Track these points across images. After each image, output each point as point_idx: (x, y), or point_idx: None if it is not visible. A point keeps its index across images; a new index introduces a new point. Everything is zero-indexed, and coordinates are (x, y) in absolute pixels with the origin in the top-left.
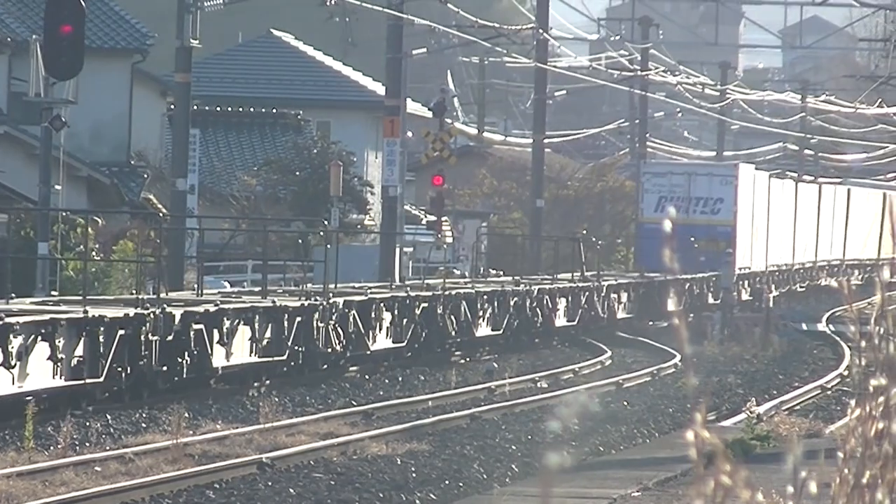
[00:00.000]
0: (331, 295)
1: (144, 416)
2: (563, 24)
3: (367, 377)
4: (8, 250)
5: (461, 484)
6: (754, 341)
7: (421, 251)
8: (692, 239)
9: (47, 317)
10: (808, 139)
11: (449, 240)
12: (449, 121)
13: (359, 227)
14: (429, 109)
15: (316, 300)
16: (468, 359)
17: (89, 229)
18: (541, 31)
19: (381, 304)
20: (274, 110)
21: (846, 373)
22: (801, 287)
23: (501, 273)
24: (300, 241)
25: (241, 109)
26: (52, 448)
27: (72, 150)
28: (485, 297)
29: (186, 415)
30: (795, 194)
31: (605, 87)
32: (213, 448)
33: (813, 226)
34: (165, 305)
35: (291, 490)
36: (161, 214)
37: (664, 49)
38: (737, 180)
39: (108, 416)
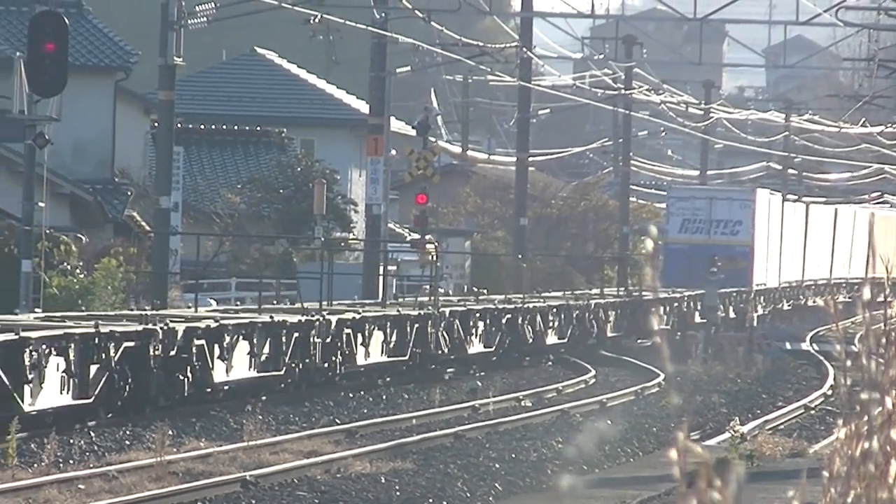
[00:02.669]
0: (440, 305)
1: (128, 433)
2: (547, 43)
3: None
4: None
5: (445, 502)
6: (738, 360)
7: (404, 269)
8: (715, 258)
9: (247, 320)
10: (791, 158)
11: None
12: (433, 139)
13: (342, 244)
14: (412, 128)
15: (429, 309)
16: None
17: (73, 247)
18: (524, 49)
19: (477, 315)
20: (258, 128)
21: (830, 392)
22: (812, 302)
23: (485, 291)
24: (295, 257)
25: (224, 127)
26: (35, 465)
27: (54, 167)
28: (554, 309)
29: (170, 432)
30: (806, 216)
31: (589, 105)
32: (197, 466)
33: (827, 245)
34: (325, 313)
35: None
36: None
37: (648, 68)
38: (754, 204)
39: (92, 434)
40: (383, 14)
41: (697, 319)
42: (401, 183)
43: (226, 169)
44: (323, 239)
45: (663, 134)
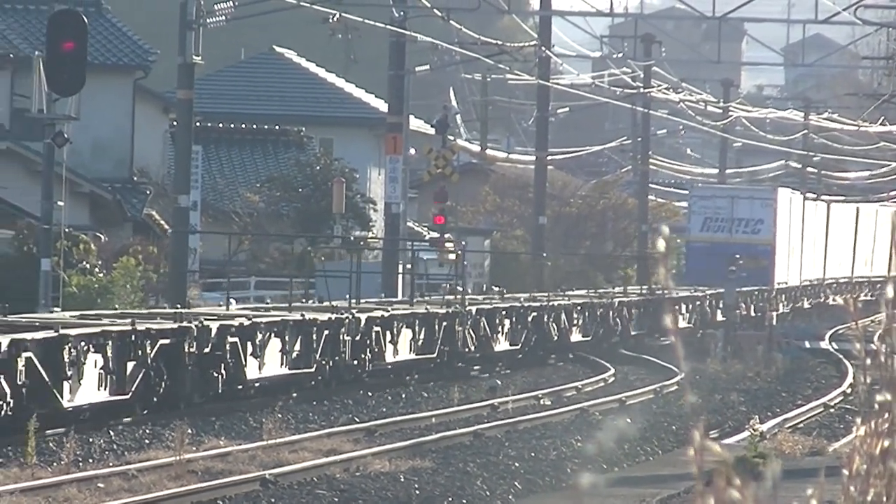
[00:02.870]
0: (466, 303)
1: (147, 432)
2: (566, 42)
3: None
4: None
5: (464, 501)
6: (757, 359)
7: (424, 267)
8: (737, 256)
9: (279, 318)
10: (810, 157)
11: (451, 257)
12: (451, 138)
13: (361, 243)
14: (431, 126)
15: (456, 307)
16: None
17: (92, 245)
18: (543, 48)
19: (503, 313)
20: (276, 127)
21: (849, 391)
22: (833, 301)
23: (504, 290)
24: (315, 255)
25: (243, 126)
26: (54, 464)
27: (73, 166)
28: (578, 307)
29: (189, 431)
30: (827, 214)
31: (608, 104)
32: (216, 464)
33: (849, 244)
34: (354, 311)
35: None
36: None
37: (666, 66)
38: (776, 203)
39: (111, 433)
40: (402, 13)
41: (719, 318)
42: (420, 181)
43: (244, 168)
44: (352, 237)
45: (682, 132)
